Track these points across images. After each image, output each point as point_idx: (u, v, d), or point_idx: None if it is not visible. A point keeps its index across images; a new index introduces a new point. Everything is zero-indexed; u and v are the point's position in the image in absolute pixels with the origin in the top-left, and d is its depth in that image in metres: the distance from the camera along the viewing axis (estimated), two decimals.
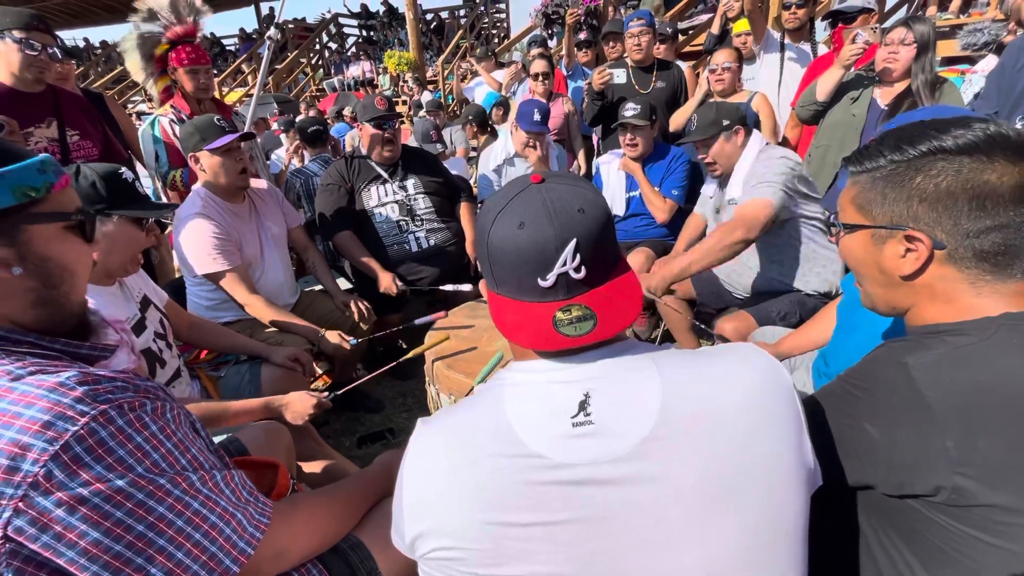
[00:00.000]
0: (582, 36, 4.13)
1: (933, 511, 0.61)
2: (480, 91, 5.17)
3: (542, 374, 0.62)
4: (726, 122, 1.89)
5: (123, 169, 1.30)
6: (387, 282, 2.24)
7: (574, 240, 0.59)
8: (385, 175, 2.44)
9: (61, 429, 0.54)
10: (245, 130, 1.97)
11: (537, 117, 2.61)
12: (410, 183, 2.48)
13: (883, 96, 2.22)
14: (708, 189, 2.19)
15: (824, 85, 2.33)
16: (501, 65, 5.56)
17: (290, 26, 11.90)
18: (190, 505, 0.62)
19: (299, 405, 1.33)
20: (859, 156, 0.74)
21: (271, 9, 13.02)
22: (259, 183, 2.17)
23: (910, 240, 0.68)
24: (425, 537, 0.60)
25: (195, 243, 1.82)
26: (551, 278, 0.60)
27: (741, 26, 3.21)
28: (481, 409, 0.64)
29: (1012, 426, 0.58)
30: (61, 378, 0.57)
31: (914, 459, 0.62)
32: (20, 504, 0.52)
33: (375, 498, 0.96)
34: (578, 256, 0.60)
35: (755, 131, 1.97)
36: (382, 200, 2.43)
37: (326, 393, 1.41)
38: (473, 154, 4.57)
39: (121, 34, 2.51)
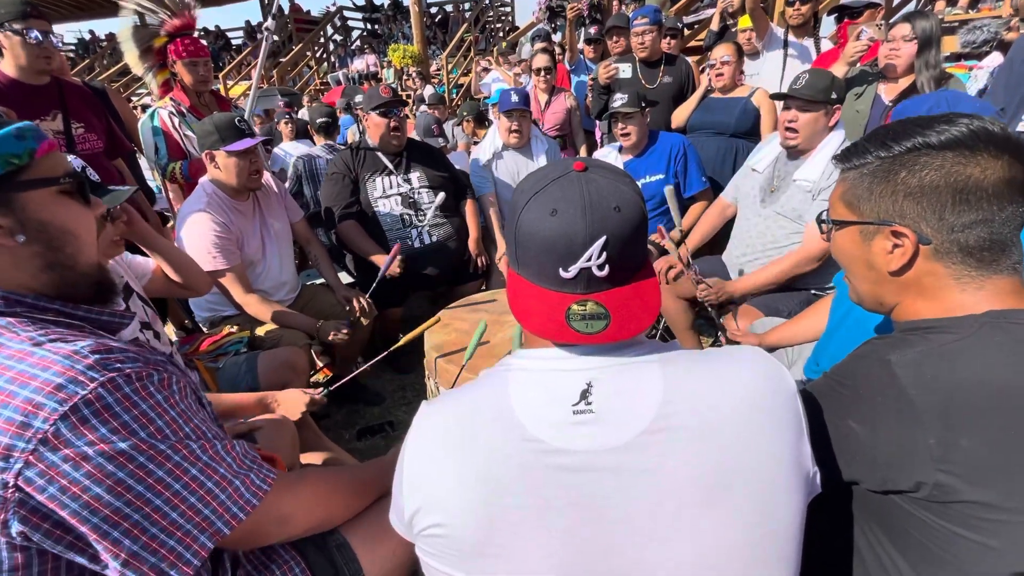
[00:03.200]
0: (593, 31, 4.10)
1: (915, 507, 0.62)
2: (497, 86, 5.17)
3: (547, 361, 0.63)
4: (834, 96, 1.78)
5: (70, 158, 1.26)
6: (391, 267, 2.23)
7: (604, 237, 0.58)
8: (390, 166, 2.44)
9: (71, 392, 0.58)
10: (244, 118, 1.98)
11: (515, 98, 2.62)
12: (414, 176, 2.48)
13: (887, 92, 2.21)
14: (759, 163, 2.05)
15: None
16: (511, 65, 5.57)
17: (286, 15, 11.66)
18: (188, 471, 0.66)
19: (292, 402, 1.34)
20: (847, 153, 0.75)
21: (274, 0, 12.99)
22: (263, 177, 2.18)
23: (896, 235, 0.69)
24: (422, 512, 0.61)
25: (196, 240, 1.83)
26: (573, 271, 0.60)
27: (746, 22, 3.18)
28: (484, 392, 0.64)
29: (993, 424, 0.58)
30: (77, 346, 0.62)
31: (897, 455, 0.62)
32: (30, 457, 0.56)
33: (383, 487, 0.96)
34: (604, 254, 0.59)
35: (841, 120, 1.86)
36: (386, 192, 2.42)
37: (320, 390, 1.41)
38: (474, 148, 4.57)
39: (121, 27, 2.51)
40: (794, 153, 1.88)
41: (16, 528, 0.58)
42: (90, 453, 0.59)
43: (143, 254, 1.54)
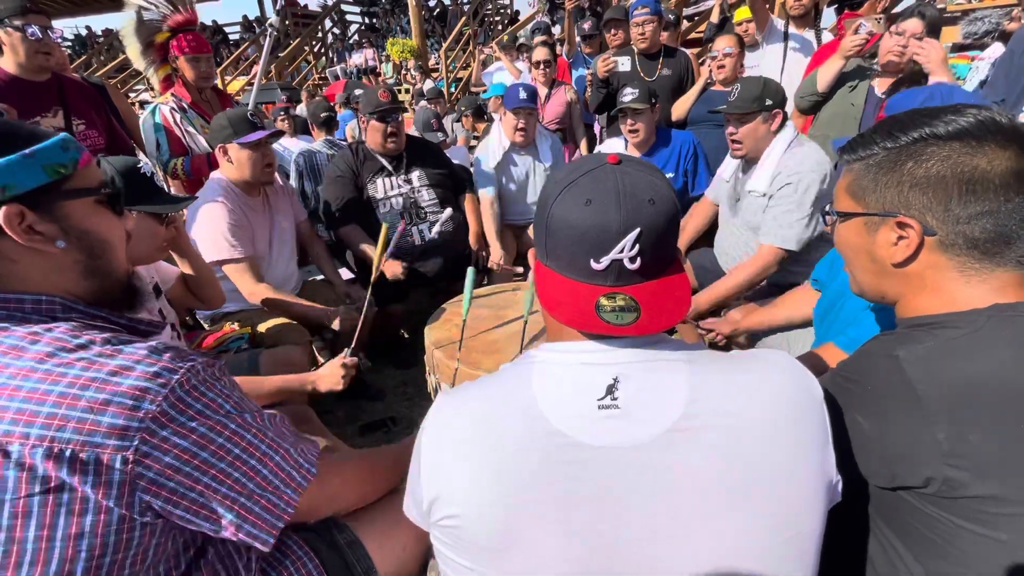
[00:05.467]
0: (586, 26, 4.07)
1: (923, 502, 0.62)
2: (499, 76, 5.13)
3: (573, 355, 0.62)
4: (769, 102, 1.79)
5: (142, 163, 1.34)
6: (393, 269, 2.24)
7: (637, 229, 0.58)
8: (390, 168, 2.44)
9: (167, 377, 0.67)
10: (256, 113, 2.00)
11: (523, 95, 2.54)
12: (415, 176, 2.47)
13: (880, 85, 2.20)
14: (725, 172, 2.10)
15: (824, 76, 2.31)
16: (521, 50, 5.51)
17: (280, 8, 11.44)
18: (267, 435, 0.76)
19: (331, 377, 1.40)
20: (853, 144, 0.74)
21: None
22: None
23: (901, 227, 0.69)
24: (439, 503, 0.61)
25: (211, 228, 1.83)
26: (604, 262, 0.59)
27: (742, 14, 3.17)
28: (506, 384, 0.64)
29: (1002, 418, 0.58)
30: (151, 344, 0.70)
31: (905, 451, 0.62)
32: (145, 435, 0.64)
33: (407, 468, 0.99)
34: (637, 246, 0.59)
35: (789, 120, 1.89)
36: (388, 193, 2.42)
37: (345, 352, 1.47)
38: (474, 143, 4.56)
39: (123, 22, 2.50)
40: (747, 162, 1.92)
41: (140, 499, 0.66)
42: (194, 425, 0.68)
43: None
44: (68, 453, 0.61)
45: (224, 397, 0.72)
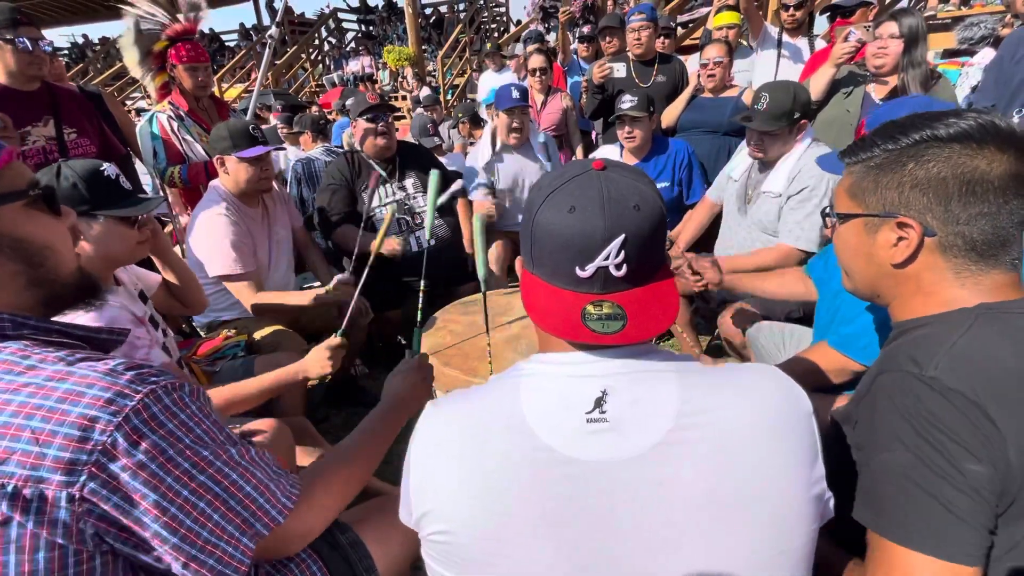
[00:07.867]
0: (586, 30, 4.11)
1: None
2: (491, 83, 5.13)
3: (560, 367, 0.61)
4: (797, 115, 1.78)
5: (105, 166, 1.26)
6: (391, 245, 2.22)
7: (623, 235, 0.57)
8: (384, 175, 2.45)
9: (121, 404, 0.60)
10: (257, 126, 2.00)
11: (516, 95, 2.56)
12: (409, 182, 2.48)
13: (877, 91, 2.22)
14: (735, 171, 2.10)
15: (816, 84, 2.34)
16: (505, 58, 5.55)
17: (280, 20, 11.51)
18: (228, 476, 0.68)
19: (317, 363, 1.33)
20: (854, 148, 0.76)
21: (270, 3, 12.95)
22: None
23: (901, 227, 0.69)
24: (428, 518, 0.60)
25: (214, 242, 1.84)
26: (590, 269, 0.59)
27: (721, 19, 3.19)
28: (494, 396, 0.63)
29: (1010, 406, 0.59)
30: (110, 364, 0.64)
31: (1000, 460, 0.59)
32: (93, 469, 0.58)
33: (391, 439, 0.95)
34: (623, 253, 0.58)
35: (808, 123, 1.89)
36: (383, 200, 2.43)
37: (333, 336, 1.38)
38: (471, 149, 4.59)
39: (120, 30, 2.51)
40: (762, 163, 1.92)
41: (90, 531, 0.60)
42: (145, 461, 0.61)
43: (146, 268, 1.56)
44: (11, 488, 0.56)
45: (185, 429, 0.65)
